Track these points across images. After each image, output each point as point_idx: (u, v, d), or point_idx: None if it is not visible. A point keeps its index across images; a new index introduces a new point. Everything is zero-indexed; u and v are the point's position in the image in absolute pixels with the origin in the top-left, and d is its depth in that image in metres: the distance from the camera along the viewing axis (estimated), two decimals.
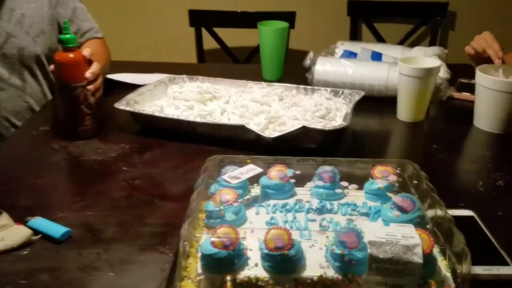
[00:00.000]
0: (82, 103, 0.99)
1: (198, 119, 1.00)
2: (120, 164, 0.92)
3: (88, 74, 0.98)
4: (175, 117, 1.00)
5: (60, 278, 0.63)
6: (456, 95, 1.27)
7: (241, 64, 2.06)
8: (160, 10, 2.24)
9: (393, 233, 0.55)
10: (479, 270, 0.63)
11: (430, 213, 0.65)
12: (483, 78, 1.06)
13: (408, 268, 0.53)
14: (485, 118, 1.09)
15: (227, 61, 2.06)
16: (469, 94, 1.25)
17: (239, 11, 2.03)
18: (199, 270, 0.57)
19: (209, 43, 2.09)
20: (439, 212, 0.64)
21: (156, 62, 1.64)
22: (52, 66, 0.98)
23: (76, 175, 0.92)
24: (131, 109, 1.03)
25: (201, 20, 2.04)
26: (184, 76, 1.26)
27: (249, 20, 1.98)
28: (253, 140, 0.95)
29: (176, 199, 0.81)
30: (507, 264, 0.64)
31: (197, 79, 1.26)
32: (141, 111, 1.03)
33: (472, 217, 0.75)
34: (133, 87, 1.21)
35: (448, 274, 0.57)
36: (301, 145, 0.94)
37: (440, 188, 0.69)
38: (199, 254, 0.57)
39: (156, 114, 1.02)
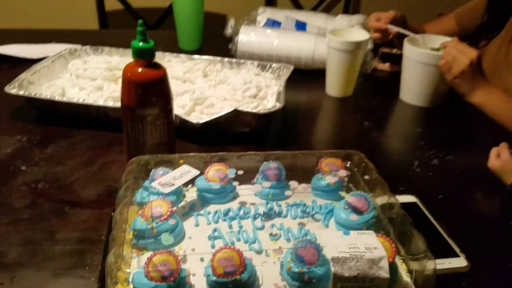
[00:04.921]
0: None
1: (110, 103, 0.85)
2: (18, 163, 0.76)
3: None
4: (81, 101, 0.85)
5: None
6: (380, 66, 1.24)
7: (153, 31, 1.86)
8: None
9: (356, 244, 0.49)
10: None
11: (380, 203, 0.60)
12: (411, 51, 1.04)
13: (374, 285, 0.48)
14: (411, 92, 1.07)
15: (135, 25, 1.86)
16: (389, 64, 1.23)
17: None
18: None
19: (111, 3, 1.86)
20: (392, 203, 0.59)
21: (50, 30, 1.42)
22: None
23: None
24: (26, 94, 0.86)
25: None
26: (87, 47, 1.10)
27: None
28: (177, 125, 0.84)
29: (91, 206, 0.68)
30: (457, 255, 0.63)
31: (103, 50, 1.10)
32: (38, 96, 0.86)
33: (415, 203, 0.73)
34: (24, 62, 1.02)
35: (408, 279, 0.53)
36: (232, 130, 0.85)
37: (378, 171, 0.64)
38: (131, 287, 0.47)
39: (58, 99, 0.86)
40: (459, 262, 0.62)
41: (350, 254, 0.48)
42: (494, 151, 0.81)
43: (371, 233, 0.52)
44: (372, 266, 0.48)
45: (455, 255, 0.63)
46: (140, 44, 0.65)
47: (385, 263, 0.48)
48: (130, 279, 0.48)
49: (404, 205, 0.69)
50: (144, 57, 0.66)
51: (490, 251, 0.65)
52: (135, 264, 0.51)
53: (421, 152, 0.88)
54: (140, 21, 0.65)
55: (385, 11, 1.18)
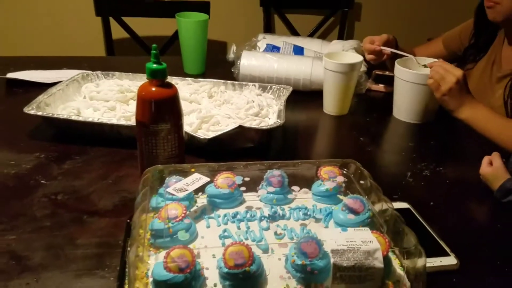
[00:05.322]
0: None
1: (123, 122, 0.92)
2: (38, 177, 0.82)
3: None
4: (95, 120, 0.91)
5: None
6: (374, 87, 1.32)
7: None
8: None
9: (353, 238, 0.55)
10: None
11: (377, 209, 0.66)
12: (401, 71, 1.11)
13: (370, 274, 0.53)
14: (404, 109, 1.14)
15: (140, 53, 1.95)
16: (384, 85, 1.31)
17: None
18: None
19: (117, 32, 1.95)
20: (386, 208, 0.65)
21: (60, 57, 1.49)
22: None
23: None
24: (44, 114, 0.92)
25: (107, 8, 1.90)
26: (98, 72, 1.17)
27: (159, 8, 1.90)
28: (185, 141, 0.89)
29: (107, 214, 0.74)
30: (448, 255, 0.68)
31: (114, 75, 1.17)
32: (55, 116, 0.92)
33: (408, 209, 0.78)
34: (38, 86, 1.09)
35: (402, 273, 0.58)
36: (237, 146, 0.91)
37: (374, 181, 0.70)
38: (150, 280, 0.52)
39: (74, 118, 0.92)
40: (450, 260, 0.67)
41: (348, 247, 0.53)
42: (486, 159, 0.87)
43: (367, 230, 0.57)
44: (368, 257, 0.53)
45: (446, 254, 0.68)
46: (154, 65, 0.72)
47: (379, 255, 0.53)
48: (150, 273, 0.53)
49: (398, 211, 0.74)
50: (158, 77, 0.73)
51: (479, 251, 0.71)
52: (153, 261, 0.56)
53: (414, 164, 0.94)
54: (154, 46, 0.72)
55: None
